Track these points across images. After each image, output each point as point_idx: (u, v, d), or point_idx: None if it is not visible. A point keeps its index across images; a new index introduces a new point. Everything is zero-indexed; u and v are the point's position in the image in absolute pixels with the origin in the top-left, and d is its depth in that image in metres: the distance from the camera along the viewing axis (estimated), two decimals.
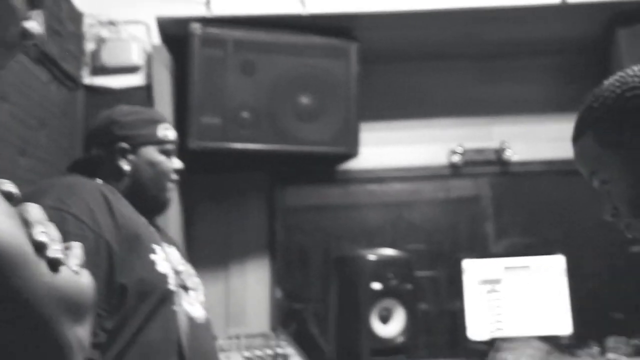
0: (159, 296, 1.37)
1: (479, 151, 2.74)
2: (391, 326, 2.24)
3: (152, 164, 1.53)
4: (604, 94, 1.07)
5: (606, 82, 1.07)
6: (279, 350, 2.09)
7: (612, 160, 1.05)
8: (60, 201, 1.29)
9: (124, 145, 1.51)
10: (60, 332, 0.61)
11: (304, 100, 2.40)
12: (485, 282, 2.41)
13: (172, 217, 2.26)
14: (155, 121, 1.58)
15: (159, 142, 1.55)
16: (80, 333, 0.63)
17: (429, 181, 2.84)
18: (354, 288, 2.26)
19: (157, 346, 1.33)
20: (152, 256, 1.39)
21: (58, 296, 0.61)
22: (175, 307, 1.40)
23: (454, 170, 2.74)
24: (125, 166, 1.51)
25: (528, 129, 2.75)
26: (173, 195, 2.26)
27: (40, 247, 0.63)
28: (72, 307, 0.63)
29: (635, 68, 1.05)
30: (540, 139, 2.72)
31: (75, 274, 0.66)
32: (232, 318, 2.51)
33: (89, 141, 1.57)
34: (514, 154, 2.70)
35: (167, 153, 1.57)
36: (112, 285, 1.27)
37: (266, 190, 2.67)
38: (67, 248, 0.67)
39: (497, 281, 2.41)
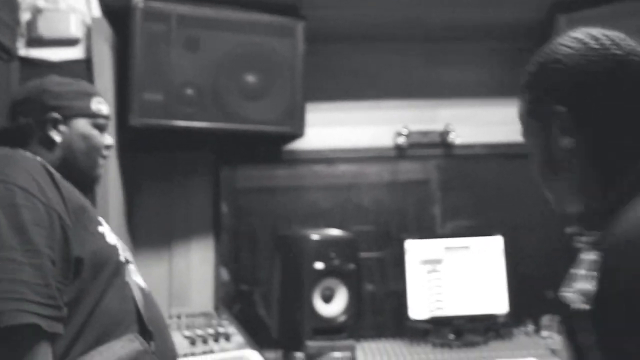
0: (112, 268, 1.35)
1: (424, 133, 2.77)
2: (333, 306, 2.27)
3: (85, 137, 1.49)
4: (536, 59, 1.05)
5: (547, 45, 1.04)
6: (221, 330, 2.08)
7: (531, 130, 1.06)
8: (3, 173, 1.24)
9: (56, 115, 1.46)
10: None
11: (250, 78, 2.37)
12: (427, 262, 2.46)
13: (114, 195, 2.21)
14: (89, 94, 1.54)
15: (93, 116, 1.52)
16: None
17: (374, 162, 2.86)
18: (297, 267, 2.27)
19: (117, 317, 1.32)
20: (100, 228, 1.37)
21: None
22: (127, 278, 1.39)
23: (399, 152, 2.76)
24: (57, 137, 1.46)
25: (472, 112, 2.79)
26: (114, 172, 2.23)
27: None
28: None
29: (571, 35, 1.02)
30: (484, 123, 2.77)
31: None
32: (175, 298, 2.48)
33: (15, 110, 1.50)
34: (457, 137, 2.75)
35: (99, 127, 1.53)
36: (69, 258, 1.24)
37: (211, 169, 2.64)
38: None
39: (438, 261, 2.46)
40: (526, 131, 1.09)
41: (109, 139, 1.57)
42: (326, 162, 2.82)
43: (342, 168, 2.91)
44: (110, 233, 1.41)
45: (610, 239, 0.87)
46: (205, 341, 2.02)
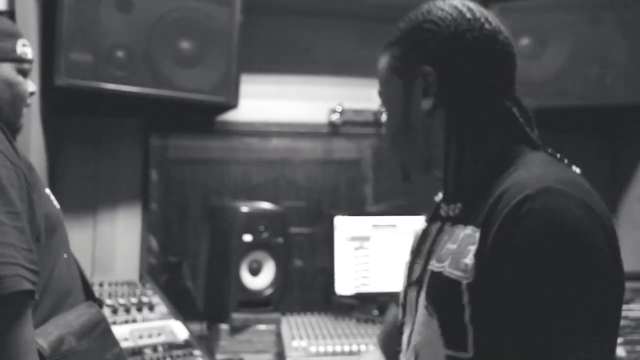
0: (62, 233, 1.29)
1: (357, 112, 2.79)
2: (260, 279, 2.26)
3: (10, 84, 1.36)
4: (410, 17, 1.06)
5: (421, 5, 1.06)
6: (144, 299, 2.04)
7: (392, 87, 1.06)
8: None
9: None
10: None
11: (184, 44, 2.30)
12: (355, 238, 2.48)
13: (36, 158, 2.11)
14: (14, 35, 1.40)
15: (19, 60, 1.38)
16: None
17: (308, 138, 2.86)
18: (225, 239, 2.25)
19: (68, 285, 1.26)
20: (47, 190, 1.29)
21: None
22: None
23: (333, 129, 2.77)
24: None
25: None
26: (37, 133, 2.13)
27: None
28: None
29: (447, 1, 1.04)
30: None
31: None
32: (99, 266, 2.41)
33: None
34: None
35: (23, 73, 1.40)
36: (34, 221, 1.14)
37: (141, 136, 2.56)
38: None
39: (365, 238, 2.49)
40: (385, 89, 1.08)
41: (32, 85, 1.45)
42: (259, 135, 2.80)
43: (275, 142, 2.90)
44: (53, 196, 1.33)
45: (497, 212, 0.86)
46: (127, 310, 1.98)
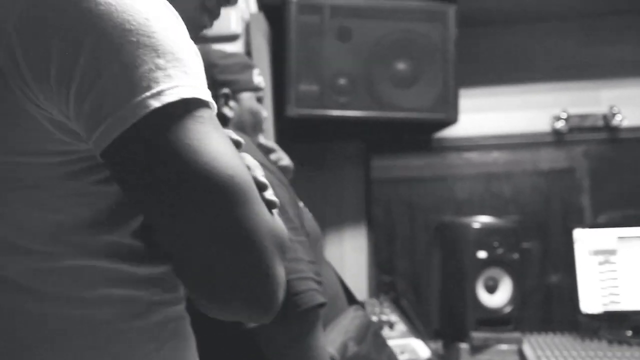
0: (319, 243, 1.36)
1: (584, 117, 2.60)
2: (497, 296, 2.17)
3: (253, 112, 1.46)
4: None
5: None
6: (384, 317, 2.05)
7: None
8: None
9: (226, 90, 1.42)
10: (274, 267, 0.64)
11: (401, 65, 2.33)
12: (598, 252, 2.28)
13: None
14: (250, 66, 1.51)
15: (256, 89, 1.48)
16: (283, 272, 0.66)
17: (530, 149, 2.72)
18: (458, 256, 2.20)
19: (333, 289, 1.34)
20: (300, 203, 1.38)
21: (274, 234, 0.65)
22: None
23: (558, 137, 2.61)
24: (229, 113, 1.42)
25: (638, 92, 2.58)
26: None
27: (262, 188, 0.68)
28: (281, 247, 0.67)
29: None
30: None
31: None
32: None
33: None
34: (624, 119, 2.55)
35: (260, 100, 1.50)
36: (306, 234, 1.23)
37: (362, 158, 2.63)
38: None
39: (611, 252, 2.27)
40: None
41: (265, 111, 1.55)
42: (477, 149, 2.72)
43: (495, 155, 2.80)
44: None
45: None
46: None
